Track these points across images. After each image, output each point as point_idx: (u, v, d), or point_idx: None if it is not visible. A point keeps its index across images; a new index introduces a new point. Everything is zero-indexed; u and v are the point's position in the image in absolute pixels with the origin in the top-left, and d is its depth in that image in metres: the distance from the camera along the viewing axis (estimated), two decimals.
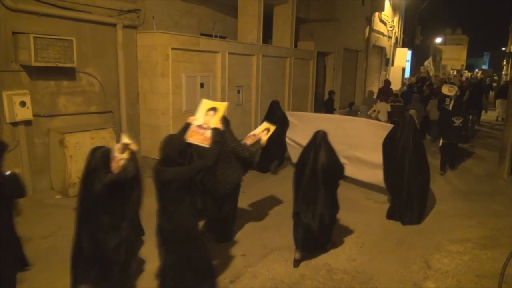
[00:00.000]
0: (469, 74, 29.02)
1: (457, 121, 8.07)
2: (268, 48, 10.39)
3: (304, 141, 4.86)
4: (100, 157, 3.45)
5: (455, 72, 24.21)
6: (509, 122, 8.14)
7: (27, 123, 5.99)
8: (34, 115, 6.00)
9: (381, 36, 19.32)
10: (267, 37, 11.50)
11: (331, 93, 12.57)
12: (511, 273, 3.78)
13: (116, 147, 3.59)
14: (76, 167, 6.16)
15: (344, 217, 5.88)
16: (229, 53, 8.76)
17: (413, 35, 27.21)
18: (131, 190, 3.59)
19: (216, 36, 9.29)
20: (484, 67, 42.95)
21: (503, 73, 35.09)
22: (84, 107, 6.82)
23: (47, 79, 6.20)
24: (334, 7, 13.70)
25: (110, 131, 6.69)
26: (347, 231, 5.42)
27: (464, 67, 37.49)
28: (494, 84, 21.96)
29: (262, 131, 4.92)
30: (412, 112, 9.89)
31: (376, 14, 18.08)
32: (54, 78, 6.29)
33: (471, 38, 42.99)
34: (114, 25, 7.03)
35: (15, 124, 5.85)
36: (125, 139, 3.69)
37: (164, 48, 7.27)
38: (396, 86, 17.33)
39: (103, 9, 6.85)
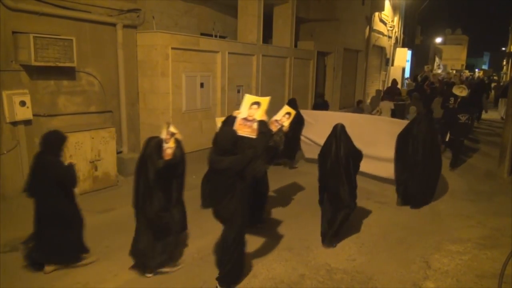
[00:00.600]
0: (469, 74, 29.01)
1: (463, 118, 8.48)
2: (268, 48, 10.38)
3: (319, 138, 5.56)
4: (154, 146, 3.95)
5: (454, 72, 24.29)
6: (509, 121, 8.15)
7: (27, 122, 5.98)
8: (34, 115, 6.00)
9: (381, 36, 19.32)
10: (267, 37, 11.50)
11: (320, 96, 11.30)
12: (510, 273, 3.78)
13: (164, 136, 4.04)
14: (76, 167, 6.16)
15: None
16: (229, 53, 8.76)
17: (413, 35, 27.22)
18: (178, 172, 4.09)
19: (216, 36, 9.29)
20: (484, 67, 42.97)
21: (501, 72, 35.11)
22: (84, 106, 6.81)
23: (47, 78, 6.20)
24: (334, 7, 13.71)
25: (110, 131, 6.69)
26: (347, 231, 5.41)
27: (464, 67, 37.49)
28: (493, 84, 21.97)
29: (283, 116, 4.95)
30: (412, 109, 10.19)
31: (376, 14, 18.06)
32: (54, 77, 6.29)
33: (471, 38, 43.04)
34: (114, 24, 7.03)
35: (15, 123, 5.85)
36: (172, 129, 4.09)
37: (164, 48, 7.27)
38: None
39: (103, 8, 6.85)
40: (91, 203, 5.83)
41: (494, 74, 29.60)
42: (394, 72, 21.25)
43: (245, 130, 4.28)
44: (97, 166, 6.51)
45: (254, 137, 4.13)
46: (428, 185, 6.39)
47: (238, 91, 9.38)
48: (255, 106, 4.41)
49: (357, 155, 5.00)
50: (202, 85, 8.21)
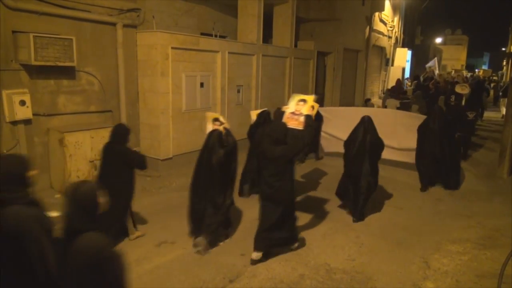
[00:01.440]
0: (469, 74, 28.98)
1: (471, 115, 9.09)
2: (268, 48, 10.38)
3: (339, 132, 6.59)
4: (216, 137, 4.61)
5: (453, 72, 24.45)
6: (509, 122, 8.15)
7: (27, 122, 5.98)
8: (33, 114, 6.00)
9: (381, 36, 19.31)
10: (267, 36, 11.50)
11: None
12: (510, 273, 3.78)
13: (210, 127, 4.75)
14: (75, 166, 6.16)
15: (343, 217, 5.89)
16: (229, 52, 8.75)
17: (413, 35, 27.21)
18: (233, 157, 4.76)
19: (216, 36, 9.29)
20: (484, 67, 42.89)
21: (499, 72, 35.08)
22: (84, 106, 6.81)
23: (47, 78, 6.20)
24: (334, 6, 13.70)
25: (110, 130, 6.68)
26: (347, 231, 5.42)
27: (464, 67, 37.43)
28: (492, 84, 22.03)
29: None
30: (414, 107, 10.55)
31: (376, 14, 18.06)
32: (54, 77, 6.29)
33: (471, 38, 42.92)
34: (114, 24, 7.03)
35: (14, 123, 5.85)
36: (221, 119, 4.84)
37: (164, 48, 7.26)
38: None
39: (103, 8, 6.85)
40: None
41: (493, 74, 29.61)
42: (394, 72, 21.24)
43: (293, 123, 4.85)
44: (96, 165, 6.49)
45: (301, 128, 4.68)
46: (452, 169, 7.23)
47: (238, 91, 9.38)
48: (301, 103, 5.00)
49: (380, 144, 5.75)
50: (202, 84, 8.21)
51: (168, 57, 7.32)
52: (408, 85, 17.22)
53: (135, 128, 7.72)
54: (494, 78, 27.17)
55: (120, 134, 4.65)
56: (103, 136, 6.54)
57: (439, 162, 7.08)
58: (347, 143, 5.86)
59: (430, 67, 20.69)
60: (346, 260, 4.66)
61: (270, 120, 6.14)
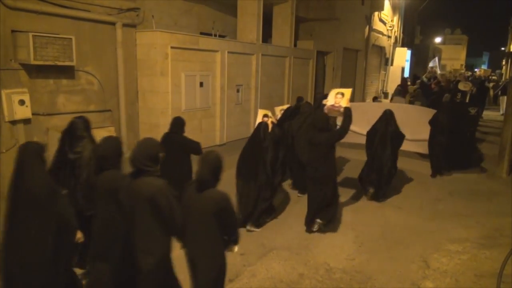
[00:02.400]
0: (469, 73, 28.98)
1: (473, 111, 9.65)
2: (268, 47, 10.38)
3: (356, 127, 7.06)
4: (263, 130, 5.34)
5: (451, 70, 24.77)
6: (508, 121, 8.15)
7: (26, 121, 5.96)
8: (33, 114, 5.98)
9: (380, 35, 19.32)
10: (267, 36, 11.49)
11: (300, 99, 8.91)
12: (509, 273, 3.79)
13: (259, 119, 5.69)
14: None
15: (343, 216, 5.90)
16: (228, 52, 8.75)
17: (413, 35, 27.24)
18: (278, 147, 5.59)
19: (215, 35, 9.28)
20: (484, 67, 42.89)
21: (497, 72, 35.08)
22: (83, 106, 6.80)
23: (46, 77, 6.18)
24: (333, 6, 13.69)
25: (110, 130, 6.68)
26: (346, 231, 5.43)
27: (463, 67, 37.41)
28: (492, 84, 22.13)
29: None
30: (417, 103, 12.05)
31: (376, 13, 18.07)
32: (53, 76, 6.27)
33: (470, 38, 42.95)
34: (113, 23, 7.01)
35: (14, 122, 5.83)
36: (270, 114, 5.89)
37: (164, 47, 7.26)
38: (395, 85, 17.60)
39: (102, 7, 6.84)
40: None
41: (493, 74, 29.64)
42: (394, 72, 21.25)
43: (334, 113, 5.82)
44: None
45: (340, 117, 5.53)
46: (466, 152, 8.40)
47: (238, 91, 9.37)
48: (339, 96, 5.80)
49: (400, 135, 6.59)
50: (201, 84, 8.20)
51: (167, 57, 7.32)
52: (409, 85, 17.58)
53: (135, 127, 7.71)
54: (494, 77, 27.22)
55: (178, 124, 5.33)
56: (102, 135, 6.52)
57: (449, 151, 8.06)
58: (370, 134, 6.67)
59: (432, 67, 21.33)
60: (346, 259, 4.66)
61: (298, 114, 6.92)
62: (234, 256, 4.58)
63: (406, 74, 24.56)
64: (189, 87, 7.89)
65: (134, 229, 2.91)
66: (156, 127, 7.56)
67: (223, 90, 8.76)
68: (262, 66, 9.99)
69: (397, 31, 22.18)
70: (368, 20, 17.31)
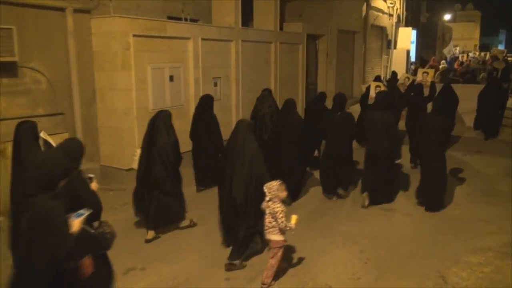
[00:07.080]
0: (482, 54, 29.53)
1: (505, 85, 12.84)
2: (249, 32, 10.40)
3: None
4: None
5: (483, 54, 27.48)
6: None
7: None
8: None
9: (380, 14, 19.53)
10: (247, 18, 11.51)
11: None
12: None
13: None
14: None
15: (345, 228, 5.93)
16: (202, 39, 8.74)
17: (418, 12, 27.59)
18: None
19: (186, 20, 9.26)
20: (501, 46, 43.72)
21: None
22: (29, 109, 6.71)
23: None
24: None
25: (62, 137, 6.56)
26: (349, 245, 5.45)
27: (477, 47, 38.04)
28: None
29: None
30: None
31: None
32: None
33: (484, 14, 43.69)
34: (62, 9, 6.95)
35: None
36: (380, 84, 8.46)
37: (124, 36, 7.21)
38: (399, 71, 17.72)
39: None
40: None
41: (508, 54, 30.23)
42: (398, 56, 21.49)
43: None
44: None
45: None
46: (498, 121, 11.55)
47: (215, 84, 9.36)
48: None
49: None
50: (171, 78, 8.18)
51: (129, 47, 7.27)
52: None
53: (93, 132, 7.64)
54: (509, 59, 27.81)
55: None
56: (56, 143, 6.44)
57: (490, 119, 11.22)
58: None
59: (449, 51, 24.56)
60: (350, 279, 4.69)
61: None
62: (218, 281, 4.57)
63: (413, 58, 24.87)
64: (156, 82, 7.85)
65: None
66: (118, 131, 7.49)
67: (197, 84, 8.74)
68: (242, 54, 10.00)
69: (400, 8, 22.46)
70: None
